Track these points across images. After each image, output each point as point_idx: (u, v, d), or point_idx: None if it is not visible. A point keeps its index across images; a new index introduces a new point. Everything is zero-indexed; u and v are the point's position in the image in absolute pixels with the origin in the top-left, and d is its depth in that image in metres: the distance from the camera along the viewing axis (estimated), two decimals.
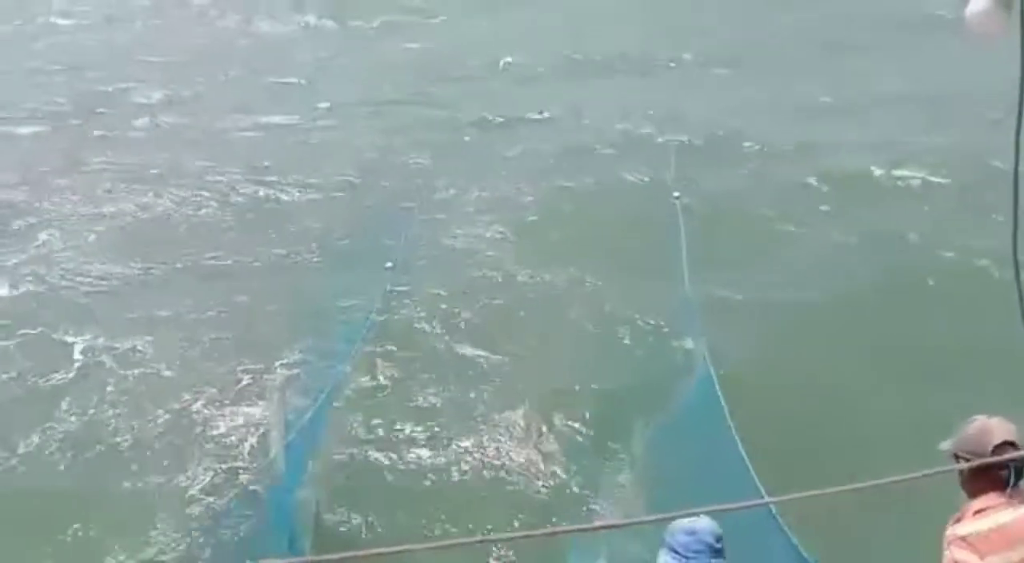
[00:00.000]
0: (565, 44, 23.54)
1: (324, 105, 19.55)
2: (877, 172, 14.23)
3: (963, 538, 3.69)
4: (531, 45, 23.46)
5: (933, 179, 13.83)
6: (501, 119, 18.12)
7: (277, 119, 18.96)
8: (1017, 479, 3.75)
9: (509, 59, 22.32)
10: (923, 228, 12.24)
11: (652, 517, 6.80)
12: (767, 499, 5.65)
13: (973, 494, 3.81)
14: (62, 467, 8.51)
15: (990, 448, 3.73)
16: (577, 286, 11.34)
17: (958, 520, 3.80)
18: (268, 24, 28.09)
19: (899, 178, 14.00)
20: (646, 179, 14.27)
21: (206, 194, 14.66)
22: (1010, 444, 3.73)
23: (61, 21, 28.70)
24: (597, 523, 7.24)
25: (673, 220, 11.73)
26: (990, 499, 3.74)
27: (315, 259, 12.42)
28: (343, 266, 12.10)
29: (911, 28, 21.89)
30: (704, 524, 4.36)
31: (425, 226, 13.13)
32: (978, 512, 3.74)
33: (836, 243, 12.13)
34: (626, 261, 11.64)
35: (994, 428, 3.77)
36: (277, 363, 9.73)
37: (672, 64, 21.74)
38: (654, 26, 24.41)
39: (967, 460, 3.73)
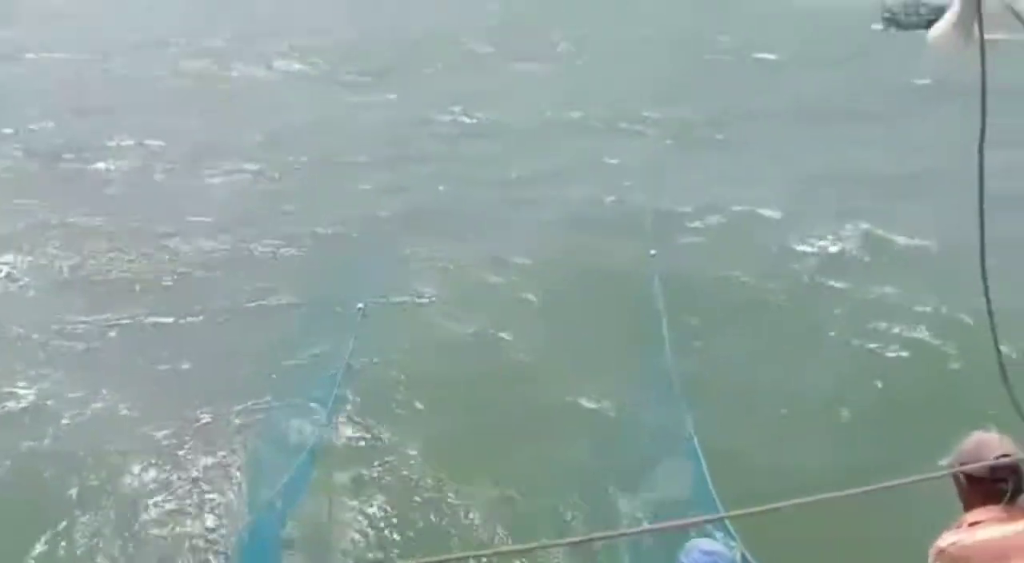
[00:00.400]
0: (549, 103, 23.65)
1: (300, 156, 19.42)
2: (859, 241, 14.16)
3: (943, 550, 3.64)
4: (514, 104, 23.57)
5: (914, 249, 13.77)
6: (476, 175, 18.03)
7: (249, 167, 18.81)
8: (1016, 494, 3.67)
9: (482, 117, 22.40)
10: (903, 297, 12.08)
11: (626, 531, 6.60)
12: (773, 505, 5.44)
13: (970, 506, 3.74)
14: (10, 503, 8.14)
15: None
16: (553, 347, 11.07)
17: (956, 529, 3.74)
18: (248, 69, 28.12)
19: (881, 248, 13.92)
20: (626, 241, 14.03)
21: (172, 241, 14.40)
22: (1008, 457, 3.65)
23: (30, 55, 28.54)
24: (577, 538, 7.12)
25: (652, 281, 11.58)
26: (985, 512, 3.67)
27: (283, 304, 12.20)
28: (311, 315, 11.81)
29: (895, 98, 22.28)
30: (720, 547, 4.52)
31: (395, 278, 12.92)
32: (973, 524, 3.68)
33: (817, 313, 11.95)
34: (604, 323, 11.38)
35: (992, 442, 3.71)
36: (242, 408, 9.45)
37: (658, 126, 21.80)
38: (644, 89, 24.59)
39: (966, 475, 3.68)
